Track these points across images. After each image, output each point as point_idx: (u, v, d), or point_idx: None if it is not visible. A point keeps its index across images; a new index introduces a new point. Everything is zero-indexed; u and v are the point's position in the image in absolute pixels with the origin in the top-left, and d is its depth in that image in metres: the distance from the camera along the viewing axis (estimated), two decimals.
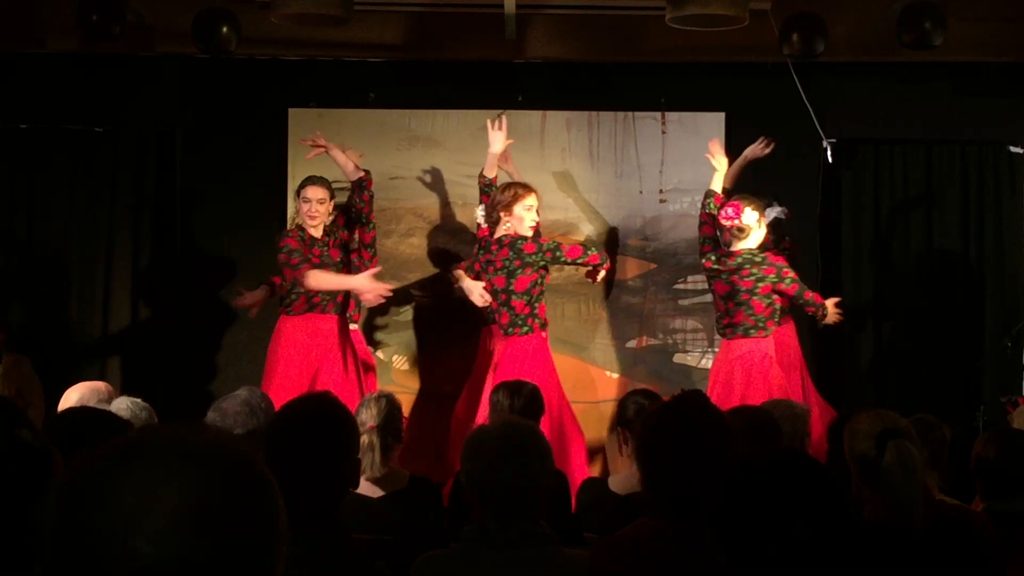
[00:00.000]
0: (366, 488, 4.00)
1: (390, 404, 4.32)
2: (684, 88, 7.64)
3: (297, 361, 6.37)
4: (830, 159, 7.47)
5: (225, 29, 6.61)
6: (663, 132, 7.62)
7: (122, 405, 4.10)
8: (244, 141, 7.58)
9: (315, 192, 6.51)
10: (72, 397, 4.44)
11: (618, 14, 7.15)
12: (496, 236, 6.51)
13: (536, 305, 6.48)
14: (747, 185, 7.16)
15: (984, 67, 7.60)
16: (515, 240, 6.45)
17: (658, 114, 7.65)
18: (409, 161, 7.63)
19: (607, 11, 7.12)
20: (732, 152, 7.66)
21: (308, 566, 2.49)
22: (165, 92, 7.60)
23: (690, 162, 7.42)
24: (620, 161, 7.63)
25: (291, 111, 7.56)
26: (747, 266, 6.37)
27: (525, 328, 6.44)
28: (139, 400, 4.20)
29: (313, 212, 6.48)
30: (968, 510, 3.34)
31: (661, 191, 7.60)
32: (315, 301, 6.44)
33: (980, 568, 2.95)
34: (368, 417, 4.20)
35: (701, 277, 7.60)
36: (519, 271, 6.42)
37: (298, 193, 6.58)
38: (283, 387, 6.02)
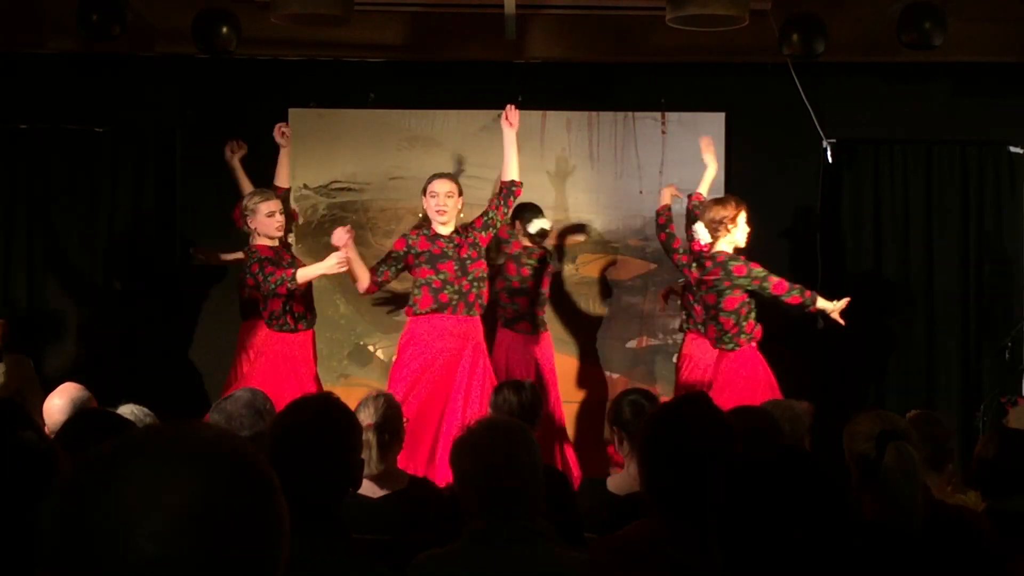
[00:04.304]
0: (366, 488, 4.00)
1: (388, 404, 4.32)
2: (684, 88, 7.65)
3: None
4: (830, 159, 7.48)
5: (225, 29, 6.61)
6: (663, 132, 7.63)
7: (126, 411, 4.10)
8: (244, 141, 7.57)
9: (443, 185, 6.30)
10: (56, 402, 4.45)
11: (618, 14, 7.15)
12: (717, 251, 6.23)
13: (744, 323, 6.21)
14: (747, 185, 7.17)
15: (984, 67, 7.61)
16: (725, 261, 6.18)
17: (658, 114, 7.66)
18: (409, 161, 7.63)
19: (607, 11, 7.12)
20: (732, 152, 7.68)
21: (308, 566, 2.49)
22: (165, 92, 7.60)
23: (690, 162, 7.42)
24: (620, 161, 7.63)
25: (291, 111, 7.56)
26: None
27: (732, 344, 6.20)
28: (143, 407, 4.20)
29: (442, 207, 6.27)
30: (968, 510, 3.34)
31: (662, 191, 7.60)
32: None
33: (980, 568, 2.95)
34: (366, 416, 4.20)
35: None
36: (728, 291, 6.16)
37: (424, 190, 6.40)
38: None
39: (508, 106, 6.37)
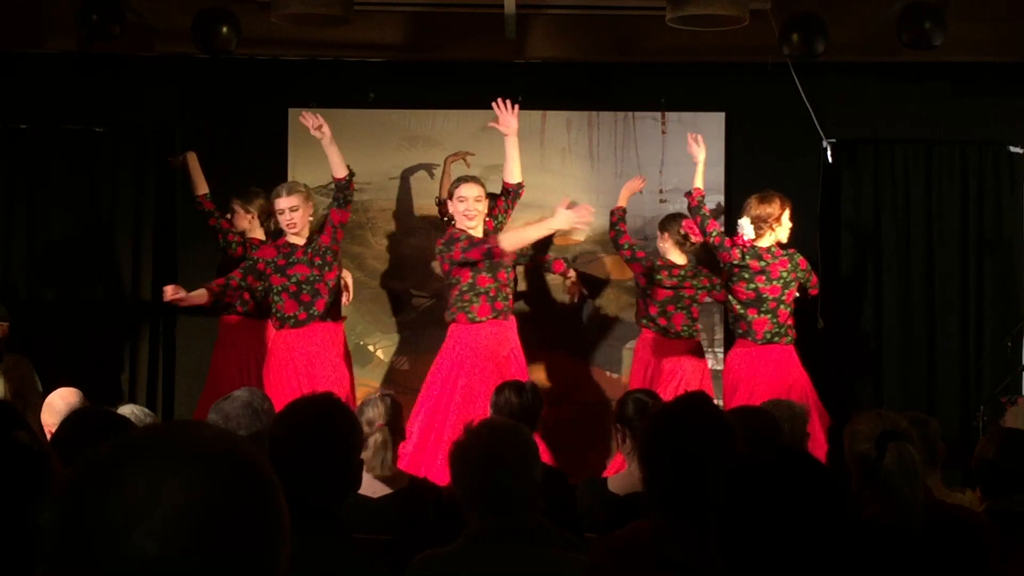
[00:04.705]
0: (368, 488, 4.00)
1: (394, 403, 4.34)
2: (684, 88, 7.65)
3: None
4: (830, 159, 7.48)
5: (225, 29, 6.61)
6: (663, 132, 7.63)
7: (126, 411, 4.10)
8: (244, 141, 7.58)
9: (471, 190, 6.28)
10: (56, 402, 4.46)
11: (618, 14, 7.15)
12: (767, 245, 6.52)
13: (792, 315, 6.57)
14: (746, 185, 7.17)
15: (984, 67, 7.61)
16: (794, 254, 6.58)
17: (658, 114, 7.66)
18: (409, 161, 7.63)
19: (607, 11, 7.13)
20: (732, 152, 7.68)
21: (308, 566, 2.49)
22: (165, 92, 7.60)
23: (690, 162, 7.40)
24: (620, 161, 7.63)
25: (291, 111, 7.56)
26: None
27: (788, 338, 6.53)
28: (144, 407, 4.20)
29: (471, 211, 6.26)
30: (968, 510, 3.34)
31: (661, 191, 7.61)
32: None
33: (980, 568, 2.95)
34: (376, 416, 4.21)
35: None
36: (793, 283, 6.54)
37: (451, 195, 6.38)
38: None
39: (495, 105, 6.24)
